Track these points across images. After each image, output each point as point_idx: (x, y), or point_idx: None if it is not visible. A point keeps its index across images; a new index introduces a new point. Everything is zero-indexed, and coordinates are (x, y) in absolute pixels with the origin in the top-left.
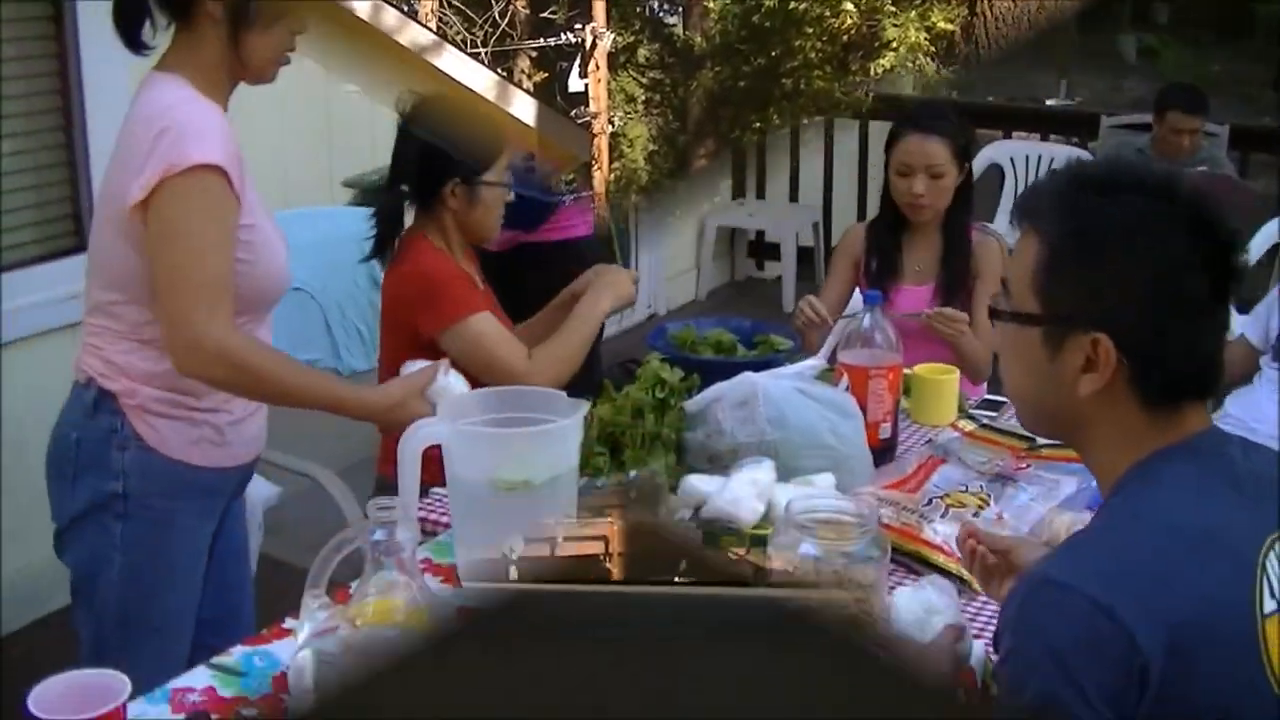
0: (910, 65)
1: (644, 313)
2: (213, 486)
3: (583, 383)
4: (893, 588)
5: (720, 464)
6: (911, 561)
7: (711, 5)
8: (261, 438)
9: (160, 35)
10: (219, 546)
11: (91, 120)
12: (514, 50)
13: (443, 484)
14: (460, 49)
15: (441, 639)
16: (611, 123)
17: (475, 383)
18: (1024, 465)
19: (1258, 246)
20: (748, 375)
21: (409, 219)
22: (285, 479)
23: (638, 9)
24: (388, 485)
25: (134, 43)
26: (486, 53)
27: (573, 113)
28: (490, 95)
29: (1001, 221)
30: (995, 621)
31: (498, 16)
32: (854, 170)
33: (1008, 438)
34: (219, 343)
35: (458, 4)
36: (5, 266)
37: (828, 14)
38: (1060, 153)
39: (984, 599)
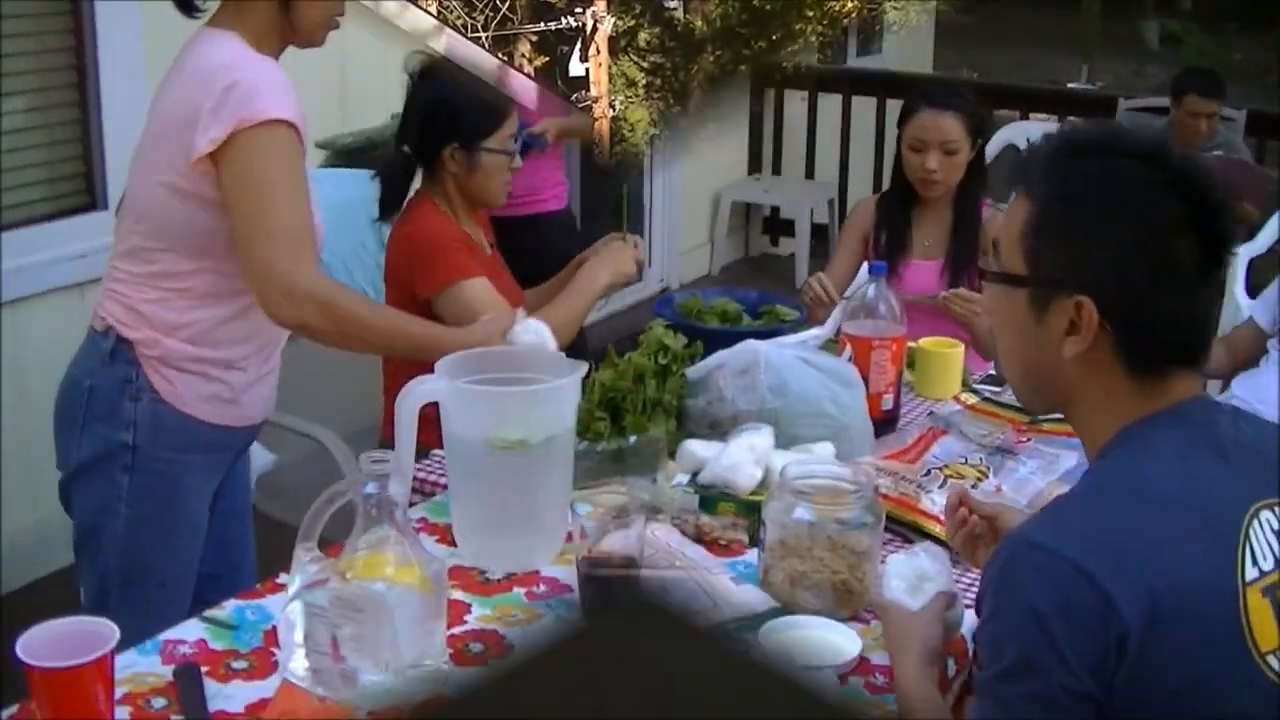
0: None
1: (656, 286)
2: (220, 443)
3: (570, 356)
4: (884, 560)
5: (721, 431)
6: (908, 531)
7: None
8: (272, 401)
9: None
10: (221, 504)
11: (105, 79)
12: (515, 34)
13: (443, 446)
14: (461, 33)
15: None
16: (613, 106)
17: None
18: (1024, 439)
19: (1270, 231)
20: (750, 343)
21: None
22: (286, 446)
23: None
24: (391, 449)
25: (186, 5)
26: (487, 37)
27: (574, 97)
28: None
29: None
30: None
31: (498, 1)
32: (871, 147)
33: (1009, 411)
34: (311, 287)
35: None
36: (16, 224)
37: None
38: None
39: (964, 565)
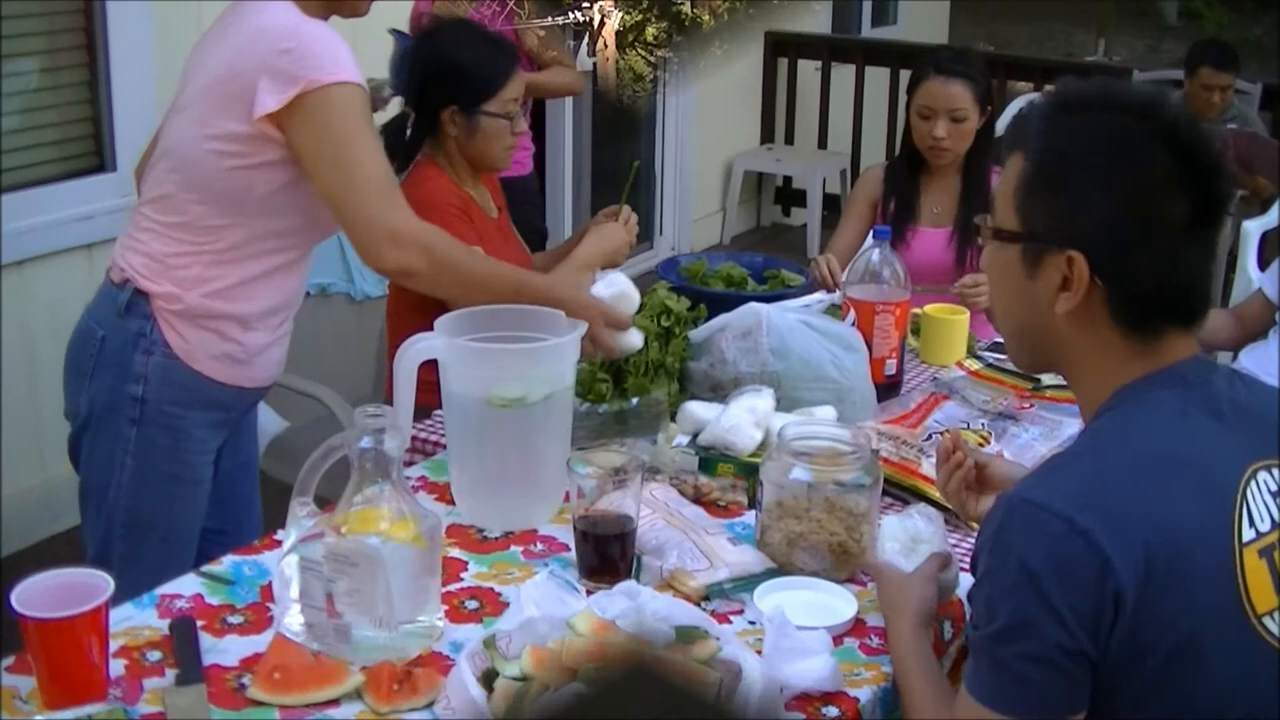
0: None
1: (668, 254)
2: (226, 403)
3: None
4: (878, 523)
5: (722, 393)
6: (908, 496)
7: None
8: (281, 364)
9: None
10: (227, 461)
11: (114, 41)
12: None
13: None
14: None
15: None
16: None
17: None
18: (1027, 405)
19: None
20: (753, 305)
21: None
22: (295, 411)
23: None
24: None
25: None
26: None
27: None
28: None
29: None
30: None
31: None
32: (884, 118)
33: (1012, 378)
34: (414, 231)
35: None
36: (25, 184)
37: None
38: None
39: (964, 532)
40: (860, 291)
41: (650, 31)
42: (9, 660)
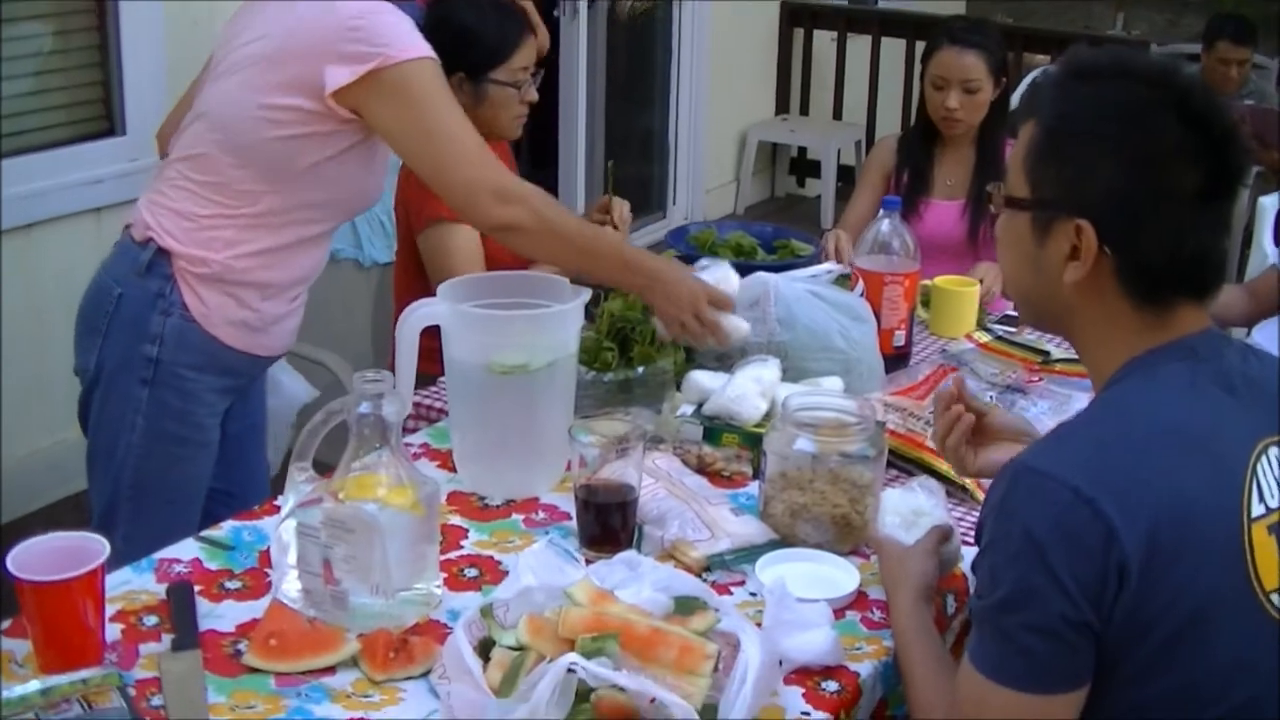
0: None
1: (680, 223)
2: (239, 368)
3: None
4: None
5: (729, 363)
6: (914, 468)
7: None
8: (294, 335)
9: None
10: (235, 425)
11: (124, 4)
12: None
13: None
14: None
15: None
16: None
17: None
18: (1036, 379)
19: None
20: (760, 274)
21: None
22: (315, 380)
23: None
24: None
25: None
26: None
27: None
28: None
29: None
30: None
31: None
32: (899, 89)
33: (1022, 351)
34: (519, 187)
35: None
36: (34, 148)
37: None
38: None
39: (970, 505)
40: (869, 262)
41: None
42: (6, 624)
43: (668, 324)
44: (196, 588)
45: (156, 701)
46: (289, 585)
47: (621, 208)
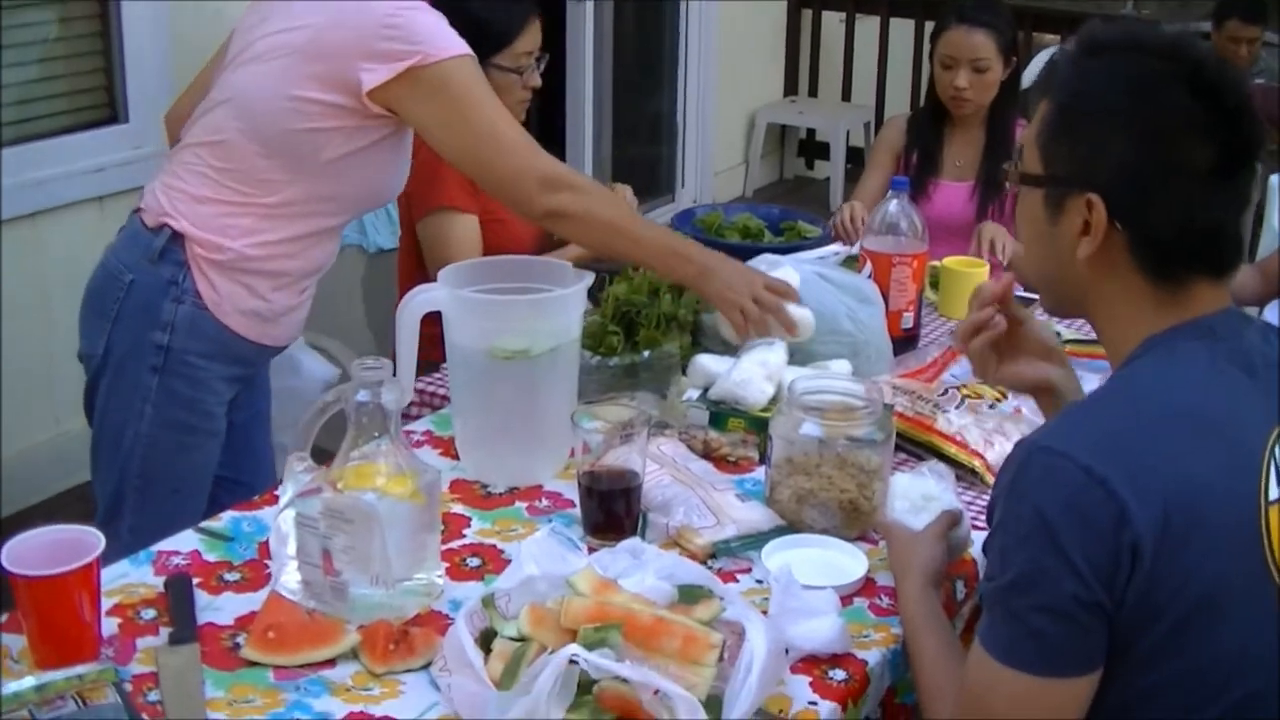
0: None
1: (689, 206)
2: (248, 357)
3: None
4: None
5: (734, 347)
6: (922, 452)
7: None
8: (301, 326)
9: None
10: (241, 413)
11: None
12: None
13: None
14: None
15: None
16: None
17: None
18: None
19: None
20: (767, 257)
21: None
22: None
23: None
24: None
25: None
26: None
27: None
28: None
29: None
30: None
31: None
32: (908, 70)
33: None
34: (565, 174)
35: None
36: (37, 136)
37: None
38: None
39: (980, 489)
40: (877, 243)
41: None
42: (2, 619)
43: (727, 310)
44: (195, 580)
45: (154, 697)
46: (288, 577)
47: (624, 193)
